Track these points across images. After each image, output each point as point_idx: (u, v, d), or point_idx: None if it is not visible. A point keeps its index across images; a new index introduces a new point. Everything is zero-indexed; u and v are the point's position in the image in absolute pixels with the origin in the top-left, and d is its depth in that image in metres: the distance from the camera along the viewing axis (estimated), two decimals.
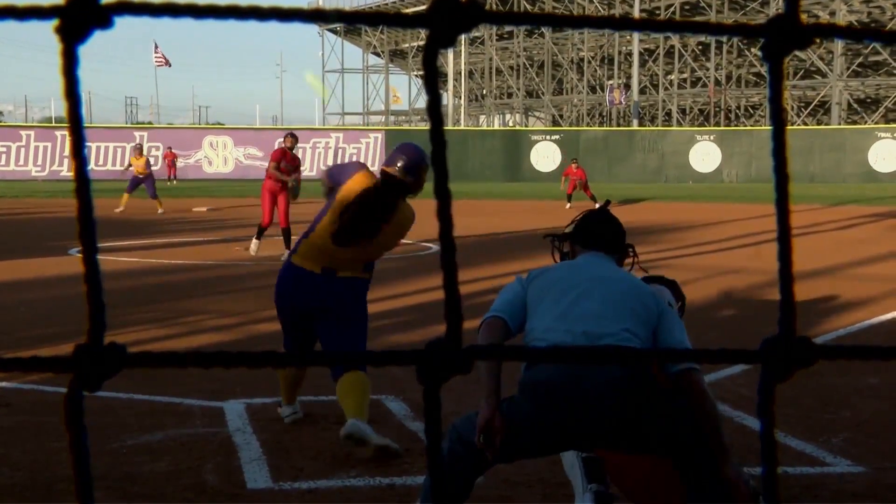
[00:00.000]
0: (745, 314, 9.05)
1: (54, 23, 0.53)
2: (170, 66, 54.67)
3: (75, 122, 0.54)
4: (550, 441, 3.41)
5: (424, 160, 4.99)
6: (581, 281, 3.57)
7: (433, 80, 0.54)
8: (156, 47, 53.26)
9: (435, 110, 0.55)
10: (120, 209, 21.58)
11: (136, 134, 40.65)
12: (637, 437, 3.34)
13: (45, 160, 37.94)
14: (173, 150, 38.93)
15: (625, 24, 0.59)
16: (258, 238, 13.41)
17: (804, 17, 0.59)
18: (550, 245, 4.10)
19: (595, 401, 3.27)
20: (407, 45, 70.39)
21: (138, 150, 23.64)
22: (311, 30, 74.01)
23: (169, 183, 36.64)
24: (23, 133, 38.42)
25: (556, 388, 3.31)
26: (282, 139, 13.77)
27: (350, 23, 0.57)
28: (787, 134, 0.55)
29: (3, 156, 37.48)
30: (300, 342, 5.11)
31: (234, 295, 10.05)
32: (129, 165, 23.15)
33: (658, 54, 59.71)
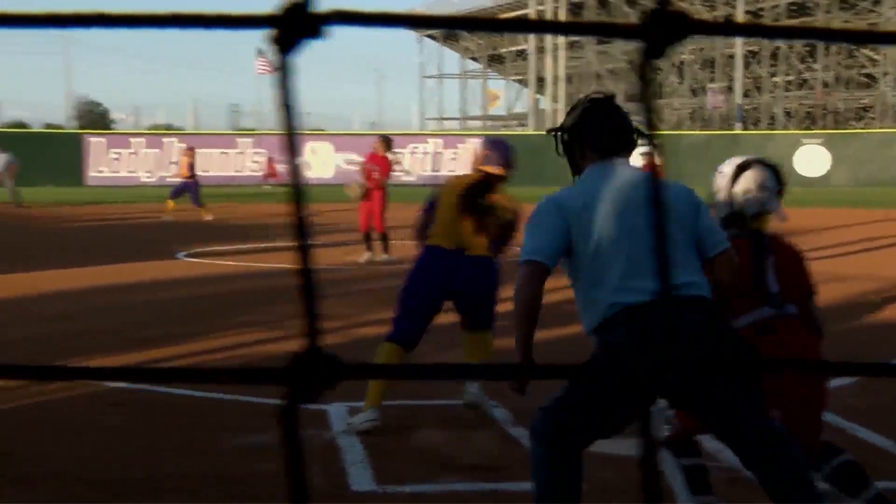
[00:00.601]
0: (857, 323, 8.76)
1: (269, 33, 0.54)
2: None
3: (290, 131, 0.55)
4: (632, 401, 3.17)
5: (514, 153, 5.72)
6: (624, 224, 3.27)
7: (649, 94, 0.53)
8: (260, 53, 54.30)
9: (651, 121, 0.54)
10: (167, 216, 20.93)
11: (238, 140, 41.57)
12: (710, 397, 3.19)
13: (155, 166, 39.10)
14: (272, 156, 39.64)
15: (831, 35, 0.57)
16: (368, 249, 13.41)
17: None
18: (554, 140, 3.63)
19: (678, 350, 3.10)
20: (504, 49, 70.42)
21: (187, 149, 22.23)
22: (409, 35, 74.63)
23: (267, 187, 37.34)
24: (133, 140, 39.70)
25: (636, 346, 3.15)
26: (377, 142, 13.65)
27: (565, 34, 0.57)
28: None
29: (115, 162, 38.77)
30: (418, 326, 5.38)
31: (335, 299, 10.17)
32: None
33: (762, 56, 58.44)
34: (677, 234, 3.29)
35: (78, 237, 17.82)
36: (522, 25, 0.58)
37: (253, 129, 52.18)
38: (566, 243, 3.33)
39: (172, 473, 4.56)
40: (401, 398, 5.52)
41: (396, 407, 5.47)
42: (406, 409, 5.50)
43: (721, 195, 3.94)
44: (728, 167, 3.98)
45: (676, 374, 2.53)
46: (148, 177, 38.84)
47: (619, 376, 2.69)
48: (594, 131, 3.50)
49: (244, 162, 40.47)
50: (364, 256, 13.40)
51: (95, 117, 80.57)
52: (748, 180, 3.89)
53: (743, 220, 3.88)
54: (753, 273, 3.75)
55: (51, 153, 37.70)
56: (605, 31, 0.59)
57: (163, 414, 5.50)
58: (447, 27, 0.56)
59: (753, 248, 3.81)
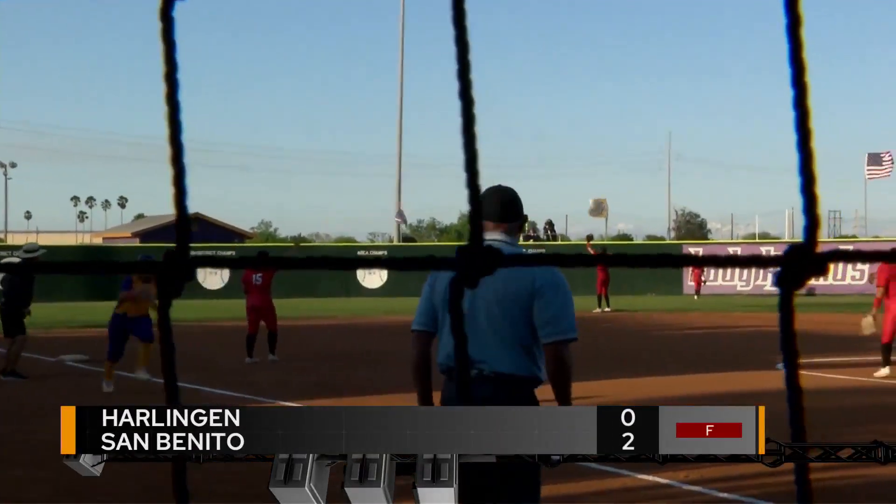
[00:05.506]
0: None
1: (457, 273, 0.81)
2: None
3: None
4: None
5: None
6: (476, 298, 3.76)
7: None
8: (873, 158, 51.86)
9: None
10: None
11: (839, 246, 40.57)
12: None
13: (750, 275, 39.69)
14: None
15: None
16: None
17: None
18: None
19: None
20: None
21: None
22: None
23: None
24: (729, 249, 41.05)
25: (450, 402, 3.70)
26: None
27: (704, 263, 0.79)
28: None
29: (712, 271, 40.33)
30: None
31: None
32: None
33: None
34: (497, 319, 3.74)
35: (682, 344, 18.75)
36: None
37: (854, 237, 50.69)
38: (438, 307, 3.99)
39: None
40: None
41: None
42: None
43: None
44: None
45: None
46: (743, 285, 39.58)
47: None
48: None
49: (846, 271, 39.17)
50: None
51: (693, 227, 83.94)
52: None
53: None
54: None
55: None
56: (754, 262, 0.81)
57: None
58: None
59: None
